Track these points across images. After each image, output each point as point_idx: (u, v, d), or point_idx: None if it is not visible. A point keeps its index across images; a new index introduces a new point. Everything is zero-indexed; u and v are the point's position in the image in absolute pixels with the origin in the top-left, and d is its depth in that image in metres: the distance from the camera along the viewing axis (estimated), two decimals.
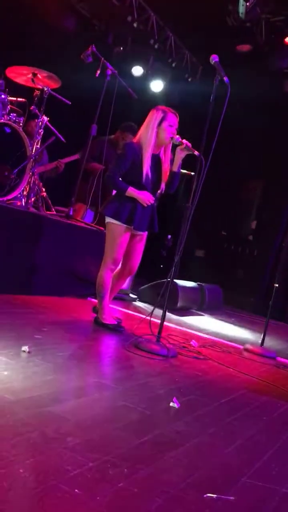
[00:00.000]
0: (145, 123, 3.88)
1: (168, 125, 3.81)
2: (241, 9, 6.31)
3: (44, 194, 5.28)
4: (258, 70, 7.41)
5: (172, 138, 3.84)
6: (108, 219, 3.90)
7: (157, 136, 3.82)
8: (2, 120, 4.64)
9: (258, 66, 7.38)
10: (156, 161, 3.92)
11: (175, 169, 3.96)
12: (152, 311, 3.86)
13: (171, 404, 2.49)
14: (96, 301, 4.08)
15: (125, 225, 3.86)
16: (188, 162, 4.06)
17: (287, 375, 4.01)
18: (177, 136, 3.84)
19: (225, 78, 3.54)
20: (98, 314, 4.01)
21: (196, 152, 3.73)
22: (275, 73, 7.52)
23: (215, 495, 1.68)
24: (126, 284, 6.01)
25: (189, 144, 3.81)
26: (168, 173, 3.97)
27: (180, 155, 3.89)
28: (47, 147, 5.91)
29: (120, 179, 3.84)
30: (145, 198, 3.82)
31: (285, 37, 6.76)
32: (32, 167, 4.86)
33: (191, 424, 2.32)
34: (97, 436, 1.91)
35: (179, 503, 1.59)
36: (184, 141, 3.81)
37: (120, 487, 1.57)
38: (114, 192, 4.13)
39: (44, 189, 5.30)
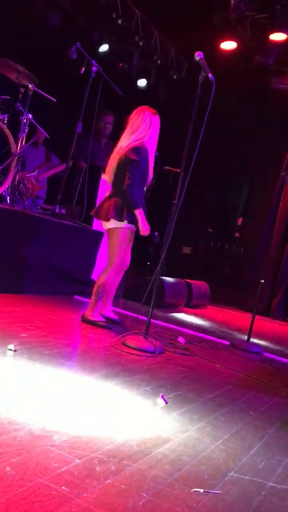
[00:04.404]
0: (147, 126, 3.88)
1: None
2: (226, 6, 6.32)
3: (33, 193, 5.27)
4: (243, 68, 7.44)
5: None
6: (117, 224, 3.88)
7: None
8: None
9: (244, 64, 7.40)
10: None
11: None
12: (140, 308, 3.88)
13: (158, 400, 2.49)
14: (82, 299, 4.08)
15: (135, 228, 3.94)
16: (174, 160, 4.09)
17: (273, 370, 4.04)
18: None
19: (209, 75, 3.54)
20: (87, 311, 4.01)
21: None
22: (262, 70, 7.54)
23: (202, 490, 1.69)
24: None
25: None
26: None
27: None
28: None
29: (139, 191, 3.86)
30: (145, 229, 3.86)
31: (270, 34, 6.78)
32: (17, 165, 4.84)
33: (178, 420, 2.33)
34: (84, 433, 1.90)
35: (166, 498, 1.59)
36: None
37: (107, 484, 1.58)
38: (106, 193, 4.13)
39: (31, 189, 5.28)
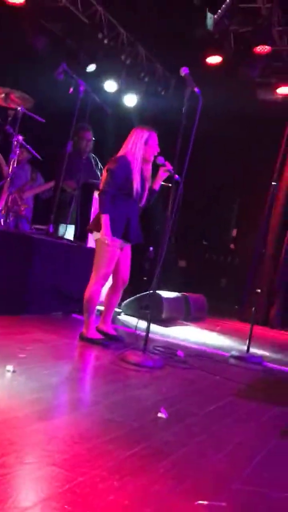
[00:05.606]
0: (130, 140, 3.96)
1: (154, 143, 3.97)
2: (209, 21, 6.41)
3: (23, 212, 5.28)
4: (229, 81, 7.52)
5: (155, 157, 3.98)
6: (99, 235, 3.89)
7: (144, 154, 3.94)
8: None
9: (229, 77, 7.49)
10: (141, 175, 4.00)
11: (155, 187, 4.15)
12: (137, 324, 3.89)
13: (159, 414, 2.49)
14: (80, 317, 4.07)
15: (120, 241, 3.91)
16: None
17: (274, 380, 4.04)
18: (161, 157, 3.96)
19: (195, 89, 3.60)
20: (84, 329, 4.01)
21: (176, 176, 3.83)
22: (247, 83, 7.63)
23: (206, 502, 1.68)
24: None
25: (171, 167, 3.93)
26: (147, 189, 4.09)
27: (162, 175, 4.07)
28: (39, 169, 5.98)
29: (109, 198, 3.83)
30: (107, 236, 3.81)
31: (254, 47, 6.87)
32: (10, 187, 4.87)
33: (179, 433, 2.32)
34: (85, 451, 1.90)
35: None
36: (167, 163, 3.96)
37: (110, 500, 1.57)
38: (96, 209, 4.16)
39: (23, 208, 5.30)
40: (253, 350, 4.76)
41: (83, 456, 1.85)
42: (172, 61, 7.49)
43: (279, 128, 8.34)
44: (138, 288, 6.45)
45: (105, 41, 7.18)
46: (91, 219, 5.56)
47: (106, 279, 4.00)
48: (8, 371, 2.66)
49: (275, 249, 8.12)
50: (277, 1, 6.41)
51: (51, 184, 6.08)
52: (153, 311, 3.75)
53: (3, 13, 6.02)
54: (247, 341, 4.69)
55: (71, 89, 5.55)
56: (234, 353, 4.67)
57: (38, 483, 1.58)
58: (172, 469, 1.90)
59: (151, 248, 7.85)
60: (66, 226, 5.89)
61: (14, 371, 2.67)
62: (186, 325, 6.41)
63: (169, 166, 3.99)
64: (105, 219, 3.81)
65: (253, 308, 4.82)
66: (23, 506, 1.43)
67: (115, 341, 4.09)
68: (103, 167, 4.20)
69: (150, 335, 3.72)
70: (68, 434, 2.02)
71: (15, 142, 5.08)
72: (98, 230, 3.88)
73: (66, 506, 1.47)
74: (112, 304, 4.24)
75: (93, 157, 6.21)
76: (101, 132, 6.15)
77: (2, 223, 4.77)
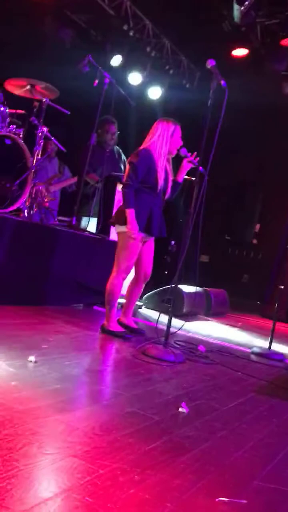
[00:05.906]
0: (156, 133, 3.93)
1: (178, 137, 3.95)
2: (236, 13, 6.33)
3: (47, 204, 5.30)
4: (256, 74, 7.43)
5: (179, 150, 3.95)
6: (122, 228, 3.89)
7: (169, 146, 3.91)
8: (2, 132, 4.66)
9: (256, 70, 7.40)
10: (165, 169, 3.98)
11: (178, 179, 4.11)
12: (158, 317, 3.88)
13: (180, 409, 2.48)
14: (101, 309, 4.08)
15: (142, 234, 3.90)
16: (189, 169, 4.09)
17: None
18: (184, 149, 3.93)
19: (222, 82, 3.55)
20: (105, 321, 4.02)
21: (200, 168, 3.78)
22: (273, 76, 7.53)
23: (227, 499, 1.67)
24: None
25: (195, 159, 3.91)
26: (171, 182, 4.07)
27: (186, 167, 4.05)
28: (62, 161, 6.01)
29: (132, 193, 3.82)
30: (132, 230, 3.80)
31: (281, 40, 6.77)
32: (34, 178, 4.88)
33: (200, 428, 2.31)
34: (106, 443, 1.90)
35: (190, 508, 1.57)
36: (192, 155, 3.96)
37: (131, 494, 1.56)
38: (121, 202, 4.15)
39: (47, 200, 5.32)
40: (275, 347, 4.72)
41: (104, 448, 1.84)
42: (197, 53, 7.44)
43: None
44: (159, 282, 6.44)
45: (131, 33, 7.15)
46: (114, 212, 5.58)
47: (127, 272, 4.00)
48: (30, 361, 2.68)
49: None
50: None
51: (75, 179, 6.13)
52: (174, 306, 3.72)
53: (29, 4, 6.03)
54: (269, 338, 4.65)
55: (96, 82, 5.54)
56: (255, 349, 4.64)
57: (59, 474, 1.58)
58: (193, 465, 1.88)
59: (172, 242, 7.82)
60: (89, 219, 5.90)
61: (36, 362, 2.69)
62: (207, 320, 6.39)
63: (192, 157, 3.97)
64: (130, 214, 3.79)
65: (276, 305, 4.77)
66: (45, 497, 1.43)
67: (136, 334, 4.09)
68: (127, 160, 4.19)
69: (171, 329, 3.71)
70: (89, 426, 2.02)
71: (40, 134, 5.09)
72: (120, 223, 3.87)
73: (87, 498, 1.47)
74: (133, 297, 4.25)
75: (117, 149, 6.20)
76: (125, 125, 6.12)
77: (26, 215, 4.80)
